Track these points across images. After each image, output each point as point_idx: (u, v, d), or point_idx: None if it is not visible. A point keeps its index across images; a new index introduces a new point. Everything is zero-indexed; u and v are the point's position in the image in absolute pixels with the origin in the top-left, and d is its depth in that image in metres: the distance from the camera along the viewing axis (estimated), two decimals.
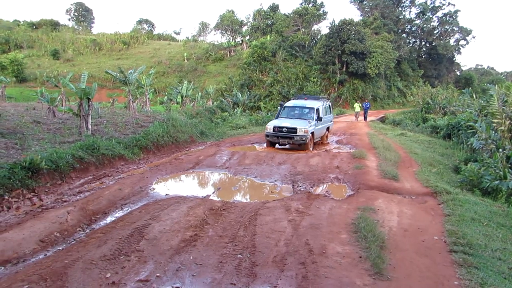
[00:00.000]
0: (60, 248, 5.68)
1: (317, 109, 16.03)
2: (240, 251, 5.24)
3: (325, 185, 9.98)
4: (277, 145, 15.67)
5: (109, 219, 7.09)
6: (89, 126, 13.34)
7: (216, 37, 79.79)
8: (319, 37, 51.51)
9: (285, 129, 14.65)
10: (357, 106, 29.72)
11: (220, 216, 6.65)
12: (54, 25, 73.69)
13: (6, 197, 7.77)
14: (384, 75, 48.25)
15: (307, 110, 16.04)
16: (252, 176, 10.69)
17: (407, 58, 55.99)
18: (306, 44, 50.29)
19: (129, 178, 9.96)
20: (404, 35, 58.86)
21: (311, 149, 15.13)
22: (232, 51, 59.13)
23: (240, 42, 61.85)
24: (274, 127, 14.90)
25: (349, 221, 6.49)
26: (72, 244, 5.80)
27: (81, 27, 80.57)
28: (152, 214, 6.75)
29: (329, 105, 18.67)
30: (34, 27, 73.60)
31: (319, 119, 15.77)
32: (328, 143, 17.98)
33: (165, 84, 50.08)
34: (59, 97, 22.01)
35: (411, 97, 38.66)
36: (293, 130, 14.52)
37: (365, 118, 29.13)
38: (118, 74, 19.54)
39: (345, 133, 21.35)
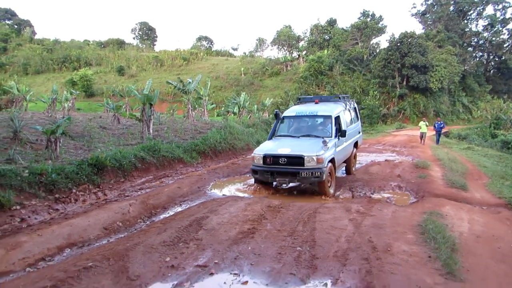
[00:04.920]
0: (122, 236, 5.83)
1: (337, 118, 10.21)
2: (300, 244, 5.07)
3: (386, 192, 9.54)
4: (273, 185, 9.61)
5: (168, 213, 7.22)
6: (151, 131, 13.83)
7: (272, 52, 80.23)
8: (378, 51, 50.42)
9: (283, 159, 8.69)
10: (423, 125, 22.26)
11: (278, 213, 6.53)
12: (120, 43, 78.34)
13: (74, 191, 8.18)
14: (448, 89, 46.02)
15: (320, 121, 10.35)
16: None
17: (473, 73, 53.05)
18: (365, 58, 49.37)
19: (188, 178, 10.16)
20: (470, 48, 55.97)
21: (332, 190, 9.02)
22: (289, 66, 59.33)
23: (297, 56, 62.03)
24: (266, 156, 8.91)
25: (415, 223, 6.10)
26: (133, 233, 5.94)
27: (144, 45, 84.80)
28: (210, 209, 6.79)
29: (355, 107, 12.70)
30: (102, 46, 78.73)
31: (341, 134, 9.79)
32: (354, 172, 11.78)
33: (222, 98, 51.12)
34: (123, 106, 23.19)
35: (478, 112, 36.52)
36: (298, 159, 8.59)
37: (437, 141, 22.36)
38: (178, 84, 20.24)
39: (405, 146, 20.51)
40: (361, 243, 5.11)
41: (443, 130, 24.12)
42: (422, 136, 22.43)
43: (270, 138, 10.28)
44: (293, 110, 11.09)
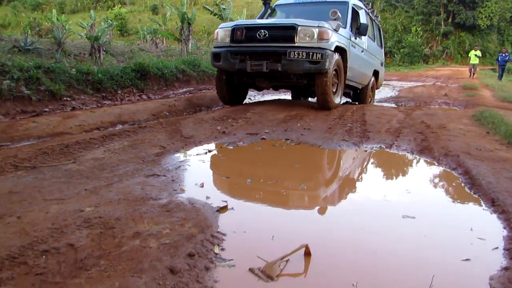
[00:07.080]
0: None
1: (355, 10, 6.79)
2: (350, 122, 4.99)
3: (432, 106, 9.21)
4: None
5: (213, 110, 7.27)
6: (189, 50, 13.73)
7: None
8: None
9: (263, 31, 5.53)
10: (473, 56, 19.49)
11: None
12: None
13: (119, 92, 8.31)
14: (497, 28, 42.91)
15: (330, 8, 5.89)
16: None
17: None
18: None
19: None
20: None
21: (338, 100, 6.09)
22: None
23: None
24: (236, 29, 5.82)
25: (469, 114, 5.88)
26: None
27: None
28: (256, 104, 6.77)
29: (379, 28, 9.15)
30: None
31: (359, 30, 6.61)
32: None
33: None
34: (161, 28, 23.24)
35: None
36: (287, 31, 5.51)
37: (500, 76, 19.18)
38: (214, 9, 19.77)
39: (450, 78, 19.62)
40: (414, 124, 4.97)
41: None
42: (471, 69, 19.87)
43: None
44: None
